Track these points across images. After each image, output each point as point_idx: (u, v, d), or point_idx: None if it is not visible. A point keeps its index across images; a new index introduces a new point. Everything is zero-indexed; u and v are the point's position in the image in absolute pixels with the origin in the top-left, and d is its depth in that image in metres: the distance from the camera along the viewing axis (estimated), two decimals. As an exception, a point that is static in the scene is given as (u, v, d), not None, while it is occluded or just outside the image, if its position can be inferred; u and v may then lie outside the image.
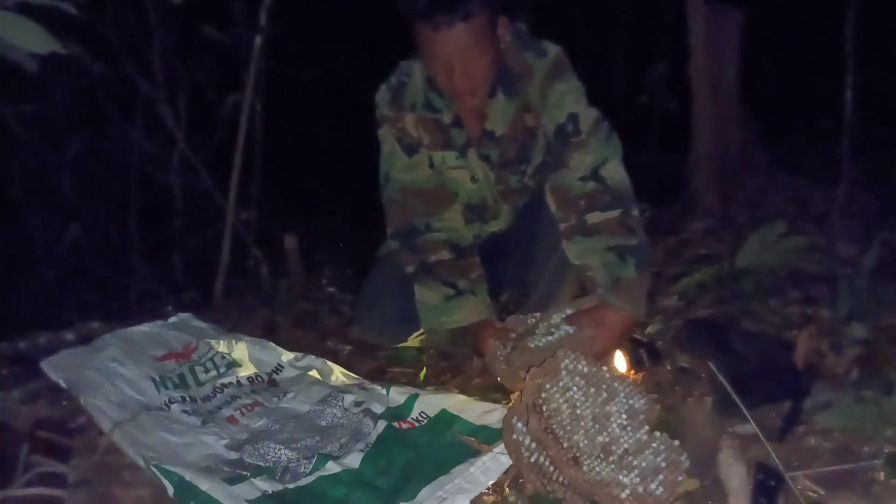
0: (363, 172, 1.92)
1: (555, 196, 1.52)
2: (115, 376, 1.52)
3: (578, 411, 1.15)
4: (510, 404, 1.32)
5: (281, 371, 1.64)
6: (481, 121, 1.57)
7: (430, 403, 1.41)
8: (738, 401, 1.19)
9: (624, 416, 1.16)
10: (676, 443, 1.13)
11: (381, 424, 1.35)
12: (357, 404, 1.44)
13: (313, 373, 1.60)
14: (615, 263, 1.44)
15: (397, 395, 1.45)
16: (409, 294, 1.60)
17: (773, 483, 1.08)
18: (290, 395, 1.51)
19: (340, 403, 1.45)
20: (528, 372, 1.21)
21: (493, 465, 1.23)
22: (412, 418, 1.38)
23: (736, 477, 1.09)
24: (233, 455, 1.31)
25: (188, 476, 1.18)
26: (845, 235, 2.23)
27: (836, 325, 1.60)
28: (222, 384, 1.56)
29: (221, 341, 1.68)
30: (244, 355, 1.66)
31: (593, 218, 1.47)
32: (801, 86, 3.89)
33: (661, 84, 3.47)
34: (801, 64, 4.06)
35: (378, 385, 1.51)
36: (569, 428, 1.13)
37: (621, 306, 1.43)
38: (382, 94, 1.61)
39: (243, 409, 1.47)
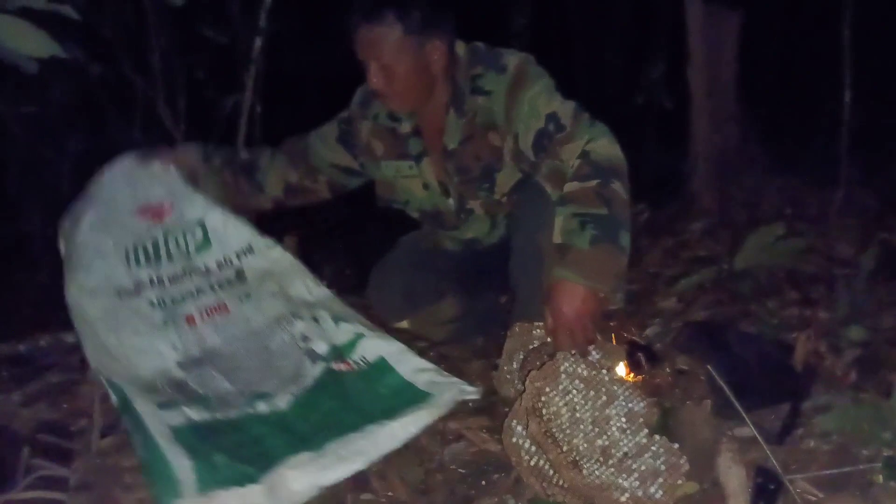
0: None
1: (550, 181, 1.50)
2: (94, 253, 1.58)
3: (578, 415, 1.16)
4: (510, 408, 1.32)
5: (250, 255, 1.65)
6: (440, 135, 1.62)
7: (372, 348, 1.46)
8: (736, 404, 1.20)
9: (623, 419, 1.16)
10: (676, 446, 1.13)
11: (320, 367, 1.42)
12: (304, 339, 1.50)
13: (274, 283, 1.62)
14: (572, 231, 1.38)
15: (343, 332, 1.50)
16: (417, 273, 1.70)
17: (771, 486, 1.08)
18: (251, 302, 1.56)
19: (290, 330, 1.52)
20: (527, 376, 1.22)
21: (401, 432, 1.27)
22: (352, 360, 1.44)
23: (735, 480, 1.09)
24: (180, 375, 1.41)
25: (129, 392, 1.31)
26: (844, 236, 2.24)
27: (834, 326, 1.61)
28: (192, 267, 1.60)
29: (197, 204, 1.68)
30: (217, 226, 1.67)
31: (570, 188, 1.43)
32: (799, 86, 3.89)
33: (659, 84, 3.47)
34: (799, 64, 4.06)
35: (329, 314, 1.55)
36: (568, 431, 1.14)
37: (569, 277, 1.35)
38: (356, 95, 1.72)
39: (205, 313, 1.53)
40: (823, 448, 1.21)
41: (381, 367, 1.44)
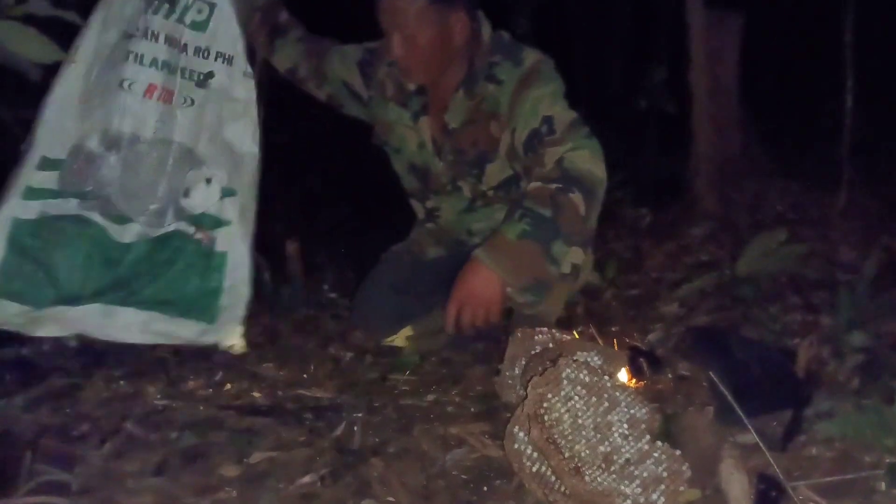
0: (365, 178, 1.93)
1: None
2: None
3: (580, 421, 1.16)
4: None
5: (226, 66, 1.63)
6: (444, 111, 1.64)
7: (227, 238, 1.53)
8: (738, 410, 1.20)
9: (625, 425, 1.16)
10: (678, 452, 1.13)
11: (179, 225, 1.49)
12: (187, 192, 1.55)
13: (216, 111, 1.61)
14: (510, 220, 1.42)
15: (223, 206, 1.55)
16: (402, 293, 1.70)
17: (774, 493, 1.08)
18: (187, 113, 1.57)
19: (188, 171, 1.56)
20: (529, 381, 1.22)
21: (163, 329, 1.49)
22: (208, 234, 1.52)
23: (737, 486, 1.09)
24: (95, 149, 1.49)
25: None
26: (846, 241, 2.25)
27: (837, 332, 1.61)
28: (176, 37, 1.59)
29: None
30: (223, 18, 1.64)
31: (532, 186, 1.46)
32: (800, 90, 3.90)
33: (660, 88, 3.48)
34: (801, 68, 4.06)
35: (222, 178, 1.57)
36: (570, 438, 1.14)
37: (484, 260, 1.39)
38: (374, 43, 1.74)
39: (158, 91, 1.54)
40: (826, 455, 1.20)
41: (218, 259, 1.50)
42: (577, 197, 1.41)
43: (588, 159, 1.46)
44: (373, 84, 1.74)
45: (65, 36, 1.31)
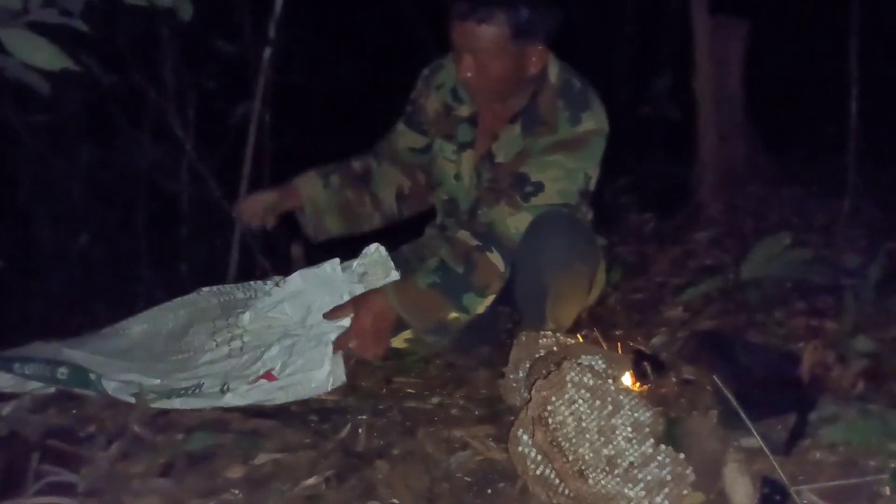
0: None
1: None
2: None
3: (584, 424, 1.16)
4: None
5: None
6: (491, 141, 1.63)
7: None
8: (742, 414, 1.20)
9: (629, 428, 1.16)
10: (682, 456, 1.13)
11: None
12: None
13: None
14: (426, 268, 1.55)
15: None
16: None
17: (778, 497, 1.08)
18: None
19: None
20: (533, 385, 1.22)
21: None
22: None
23: (741, 491, 1.09)
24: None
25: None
26: (851, 246, 2.24)
27: (841, 337, 1.60)
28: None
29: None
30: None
31: (458, 234, 1.58)
32: (805, 96, 3.90)
33: (665, 95, 3.48)
34: (806, 74, 4.06)
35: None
36: (574, 441, 1.14)
37: (390, 298, 1.53)
38: (425, 70, 1.76)
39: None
40: (830, 459, 1.20)
41: None
42: (494, 256, 1.54)
43: (517, 222, 1.55)
44: (427, 126, 1.75)
45: (72, 44, 1.32)
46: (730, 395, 1.22)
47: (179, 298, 1.76)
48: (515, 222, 1.55)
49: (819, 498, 1.10)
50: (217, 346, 1.62)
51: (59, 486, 1.19)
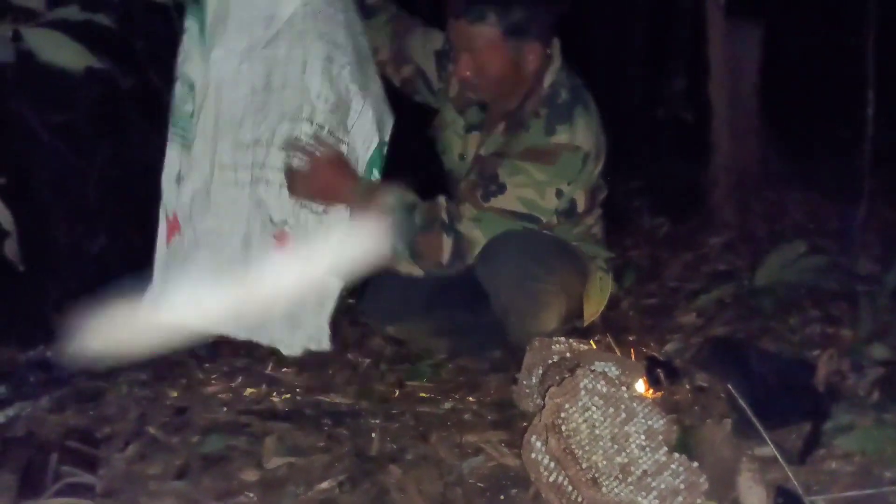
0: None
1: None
2: None
3: (597, 431, 1.16)
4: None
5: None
6: (491, 131, 1.65)
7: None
8: (756, 423, 1.20)
9: (643, 436, 1.16)
10: (695, 464, 1.13)
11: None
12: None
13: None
14: (399, 193, 1.50)
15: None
16: (412, 285, 1.66)
17: (792, 507, 1.08)
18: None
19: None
20: (546, 391, 1.22)
21: None
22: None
23: (755, 500, 1.09)
24: None
25: None
26: (866, 252, 2.22)
27: (857, 345, 1.60)
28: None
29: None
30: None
31: (440, 200, 1.55)
32: (820, 100, 3.86)
33: (679, 97, 3.47)
34: (821, 77, 4.03)
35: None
36: (587, 448, 1.14)
37: (359, 185, 1.47)
38: None
39: None
40: (845, 469, 1.20)
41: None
42: (446, 241, 1.52)
43: (487, 229, 1.54)
44: (443, 77, 1.72)
45: (97, 41, 1.32)
46: (744, 404, 1.22)
47: None
48: (470, 234, 1.54)
49: (834, 508, 1.10)
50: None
51: (77, 486, 1.20)
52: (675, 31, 4.17)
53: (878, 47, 2.50)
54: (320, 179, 1.43)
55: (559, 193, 1.56)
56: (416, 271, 1.58)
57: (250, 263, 1.46)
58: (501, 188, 1.53)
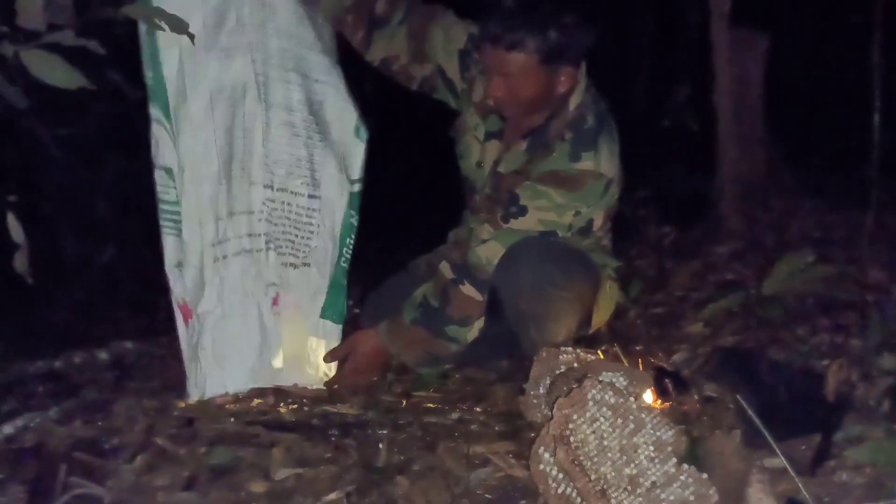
0: (387, 194, 1.95)
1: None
2: None
3: (606, 443, 1.15)
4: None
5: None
6: (518, 138, 1.66)
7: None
8: (766, 434, 1.19)
9: (651, 447, 1.16)
10: (705, 476, 1.13)
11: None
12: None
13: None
14: (412, 303, 1.64)
15: None
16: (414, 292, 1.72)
17: (803, 519, 1.07)
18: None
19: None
20: (554, 402, 1.22)
21: None
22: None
23: (765, 512, 1.08)
24: None
25: None
26: (875, 261, 2.21)
27: (866, 354, 1.58)
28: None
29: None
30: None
31: (440, 266, 1.64)
32: (827, 108, 3.86)
33: (685, 107, 3.47)
34: (827, 86, 4.03)
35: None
36: (596, 460, 1.14)
37: (383, 336, 1.64)
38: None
39: None
40: (857, 481, 1.19)
41: None
42: (468, 288, 1.60)
43: (492, 251, 1.60)
44: (467, 78, 1.69)
45: (87, 65, 1.37)
46: (753, 414, 1.21)
47: None
48: (486, 252, 1.60)
49: (845, 520, 1.09)
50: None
51: (86, 498, 1.21)
52: (682, 42, 4.18)
53: (884, 55, 2.50)
54: (363, 366, 1.66)
55: (577, 214, 1.60)
56: (475, 331, 1.66)
57: (260, 325, 1.61)
58: (522, 210, 1.56)
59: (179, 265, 1.58)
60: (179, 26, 1.39)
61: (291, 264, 1.63)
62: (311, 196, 1.64)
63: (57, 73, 1.27)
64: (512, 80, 1.51)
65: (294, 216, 1.64)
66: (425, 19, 1.68)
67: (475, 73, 1.68)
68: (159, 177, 1.58)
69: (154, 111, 1.57)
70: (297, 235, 1.64)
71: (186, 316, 1.59)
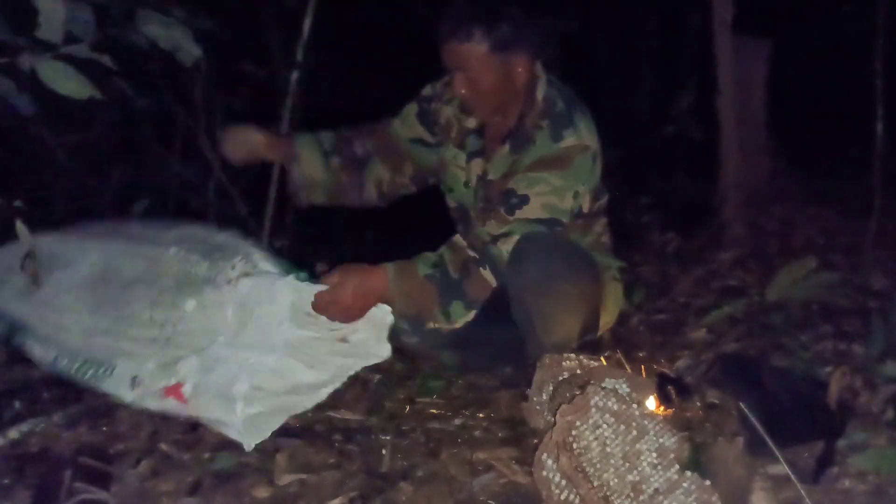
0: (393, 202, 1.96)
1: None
2: None
3: (608, 449, 1.16)
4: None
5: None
6: (493, 154, 1.69)
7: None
8: (769, 441, 1.19)
9: (654, 454, 1.16)
10: (707, 483, 1.13)
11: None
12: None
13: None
14: (430, 260, 1.55)
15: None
16: None
17: (806, 526, 1.07)
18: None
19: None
20: (557, 408, 1.22)
21: None
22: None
23: (768, 519, 1.08)
24: None
25: None
26: (878, 268, 2.21)
27: (869, 362, 1.58)
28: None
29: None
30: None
31: (457, 239, 1.59)
32: (830, 116, 3.86)
33: (688, 114, 3.48)
34: (830, 94, 4.03)
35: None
36: (599, 466, 1.14)
37: (388, 274, 1.51)
38: (431, 85, 1.79)
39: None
40: (860, 488, 1.19)
41: None
42: (487, 273, 1.57)
43: (510, 244, 1.57)
44: (437, 129, 1.79)
45: (98, 76, 1.39)
46: (756, 421, 1.21)
47: (150, 233, 1.65)
48: (504, 244, 1.58)
49: (848, 528, 1.09)
50: (150, 321, 1.51)
51: (91, 503, 1.21)
52: (685, 49, 4.19)
53: (887, 62, 2.50)
54: (350, 300, 1.47)
55: (576, 195, 1.61)
56: (465, 320, 1.59)
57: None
58: (524, 199, 1.56)
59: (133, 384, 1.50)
60: None
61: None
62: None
63: (70, 84, 1.30)
64: (471, 74, 1.57)
65: None
66: (383, 129, 1.83)
67: (445, 118, 1.76)
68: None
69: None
70: None
71: (180, 399, 1.46)
